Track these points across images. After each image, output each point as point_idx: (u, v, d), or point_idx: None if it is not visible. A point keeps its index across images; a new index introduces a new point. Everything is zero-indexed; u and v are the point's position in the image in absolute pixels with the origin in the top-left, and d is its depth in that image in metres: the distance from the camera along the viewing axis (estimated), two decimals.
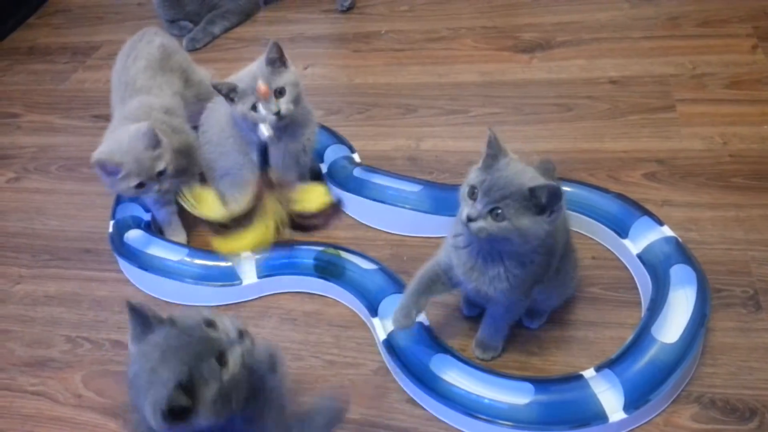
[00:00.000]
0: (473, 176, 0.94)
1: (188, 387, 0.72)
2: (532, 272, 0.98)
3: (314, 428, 0.91)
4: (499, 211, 0.89)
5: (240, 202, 1.11)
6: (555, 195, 0.89)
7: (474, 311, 1.18)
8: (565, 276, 1.09)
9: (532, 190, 0.89)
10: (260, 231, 1.11)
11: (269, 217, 1.11)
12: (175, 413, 0.71)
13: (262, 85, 1.21)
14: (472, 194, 0.92)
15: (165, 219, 1.42)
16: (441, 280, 1.05)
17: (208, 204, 1.14)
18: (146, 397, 0.72)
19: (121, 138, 1.26)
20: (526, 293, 1.02)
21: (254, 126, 1.23)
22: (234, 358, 0.77)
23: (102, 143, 1.29)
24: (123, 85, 1.43)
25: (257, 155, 1.16)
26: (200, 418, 0.74)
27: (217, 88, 1.26)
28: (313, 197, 1.14)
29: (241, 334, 0.79)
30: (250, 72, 1.26)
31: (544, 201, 0.89)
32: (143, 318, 0.77)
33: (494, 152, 0.93)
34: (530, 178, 0.92)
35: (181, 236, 1.43)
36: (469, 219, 0.91)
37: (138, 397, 0.74)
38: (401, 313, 1.04)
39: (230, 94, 1.26)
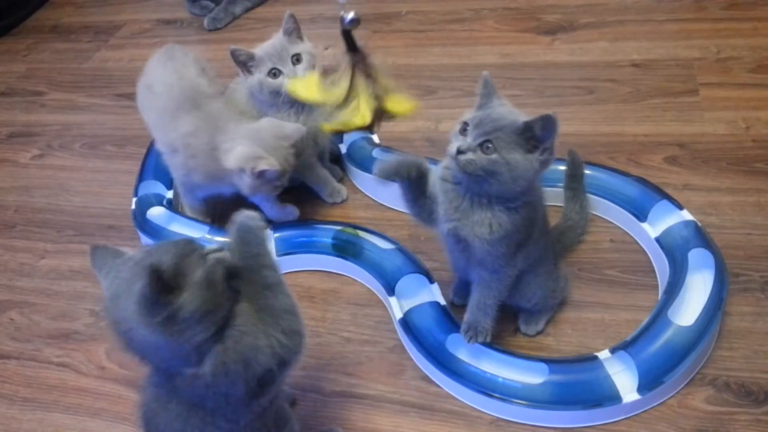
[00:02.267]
0: (466, 115, 0.92)
1: (168, 271, 0.70)
2: (516, 225, 0.93)
3: None
4: (490, 144, 0.87)
5: (338, 87, 1.16)
6: (550, 124, 0.86)
7: (464, 298, 1.12)
8: (547, 260, 1.08)
9: (527, 123, 0.87)
10: (354, 112, 1.16)
11: (361, 100, 1.16)
12: (155, 291, 0.69)
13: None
14: (464, 131, 0.90)
15: (279, 214, 1.37)
16: (427, 188, 0.99)
17: (308, 87, 1.21)
18: (128, 300, 0.71)
19: (263, 137, 1.22)
20: (508, 257, 0.97)
21: (270, 96, 1.27)
22: (213, 257, 0.76)
23: (231, 148, 1.21)
24: (176, 101, 1.29)
25: (343, 41, 1.16)
26: (185, 301, 0.71)
27: (235, 54, 1.27)
28: (402, 101, 1.20)
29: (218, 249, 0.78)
30: (268, 43, 1.29)
31: (538, 132, 0.86)
32: (105, 253, 0.77)
33: (488, 92, 0.91)
34: (522, 115, 0.90)
35: (293, 214, 1.39)
36: (459, 151, 0.88)
37: (118, 312, 0.72)
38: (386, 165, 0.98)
39: (248, 62, 1.27)
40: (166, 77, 1.30)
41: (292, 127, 1.23)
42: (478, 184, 0.91)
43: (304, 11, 2.13)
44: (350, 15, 1.13)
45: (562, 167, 1.28)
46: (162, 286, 0.69)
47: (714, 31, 1.73)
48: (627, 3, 1.90)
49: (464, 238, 0.95)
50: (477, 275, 1.02)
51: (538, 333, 1.13)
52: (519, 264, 1.00)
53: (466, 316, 1.06)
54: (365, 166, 1.43)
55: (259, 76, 1.28)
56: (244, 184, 1.24)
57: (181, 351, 0.74)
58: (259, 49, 1.29)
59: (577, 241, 1.26)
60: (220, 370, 0.76)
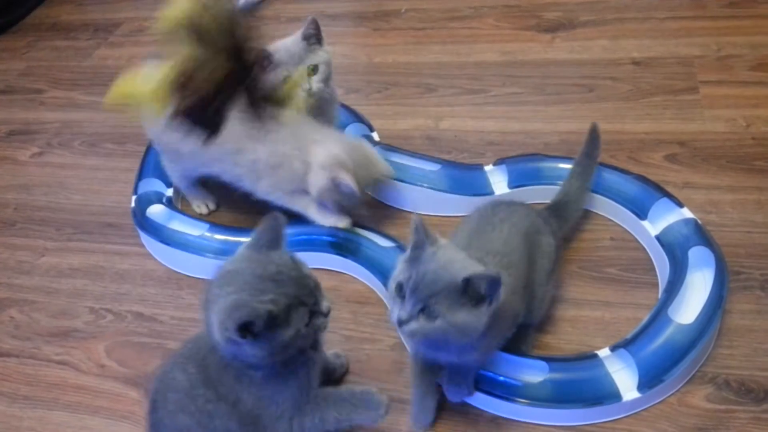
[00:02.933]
0: (399, 270, 0.85)
1: (276, 314, 0.79)
2: (488, 345, 0.92)
3: (343, 403, 0.93)
4: (432, 309, 0.81)
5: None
6: (494, 283, 0.80)
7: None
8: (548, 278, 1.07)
9: (467, 281, 0.80)
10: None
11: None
12: (248, 326, 0.78)
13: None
14: (400, 291, 0.83)
15: (326, 220, 1.31)
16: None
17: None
18: (231, 298, 0.79)
19: (355, 156, 1.22)
20: (488, 349, 0.96)
21: None
22: (317, 322, 0.85)
23: (323, 146, 1.21)
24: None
25: None
26: (256, 345, 0.80)
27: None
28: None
29: (328, 311, 0.87)
30: (285, 46, 1.26)
31: (483, 291, 0.81)
32: (278, 230, 0.86)
33: (420, 240, 0.84)
34: (462, 267, 0.83)
35: (344, 221, 1.31)
36: (400, 322, 0.82)
37: (224, 292, 0.80)
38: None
39: (265, 60, 1.22)
40: None
41: (384, 166, 1.25)
42: (434, 346, 0.91)
43: (305, 9, 2.13)
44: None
45: (563, 165, 1.28)
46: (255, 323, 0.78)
47: (714, 29, 1.73)
48: (627, 1, 1.90)
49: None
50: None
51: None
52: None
53: (447, 378, 1.01)
54: None
55: (274, 77, 1.23)
56: (316, 185, 1.22)
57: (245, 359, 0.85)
58: (276, 51, 1.24)
59: (575, 218, 1.23)
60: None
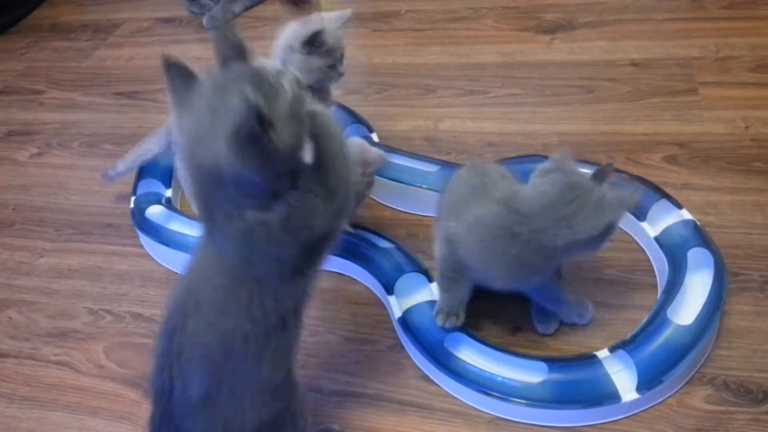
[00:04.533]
0: None
1: (258, 106, 0.65)
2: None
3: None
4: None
5: None
6: None
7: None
8: None
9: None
10: None
11: None
12: (253, 132, 0.65)
13: None
14: None
15: None
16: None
17: None
18: (214, 134, 0.67)
19: None
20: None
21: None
22: (288, 81, 0.71)
23: None
24: None
25: None
26: (278, 138, 0.67)
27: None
28: None
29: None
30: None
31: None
32: (183, 73, 0.72)
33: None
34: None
35: None
36: None
37: (199, 146, 0.69)
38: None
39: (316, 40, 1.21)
40: None
41: (375, 153, 1.20)
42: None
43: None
44: None
45: None
46: (261, 122, 0.65)
47: (713, 30, 1.73)
48: (626, 2, 1.90)
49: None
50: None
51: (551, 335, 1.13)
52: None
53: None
54: None
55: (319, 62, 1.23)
56: None
57: (258, 189, 0.72)
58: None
59: None
60: (284, 222, 0.74)
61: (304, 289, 0.85)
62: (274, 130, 0.67)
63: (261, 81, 0.69)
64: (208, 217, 0.78)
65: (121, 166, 1.44)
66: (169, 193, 1.46)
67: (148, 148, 1.43)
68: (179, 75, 0.73)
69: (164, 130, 1.41)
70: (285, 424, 0.87)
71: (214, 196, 0.74)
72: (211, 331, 0.79)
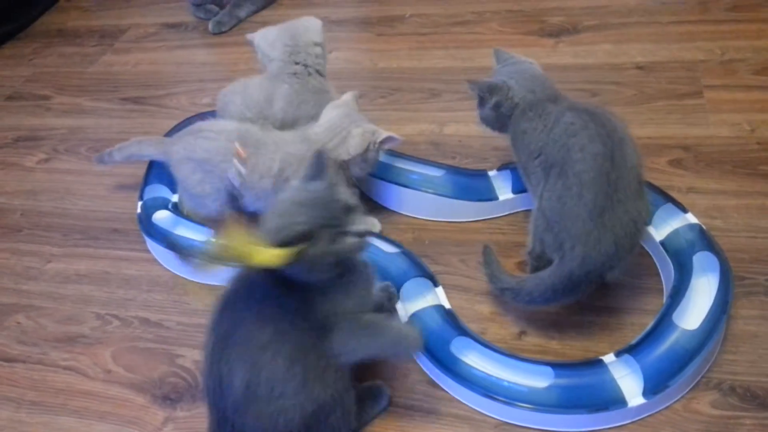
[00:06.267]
0: None
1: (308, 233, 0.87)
2: None
3: (383, 335, 0.99)
4: None
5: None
6: None
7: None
8: None
9: None
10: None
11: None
12: (290, 239, 0.86)
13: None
14: None
15: None
16: None
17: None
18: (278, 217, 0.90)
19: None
20: None
21: None
22: (347, 241, 0.91)
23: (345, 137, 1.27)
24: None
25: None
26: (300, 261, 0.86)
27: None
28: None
29: (365, 233, 0.93)
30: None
31: None
32: (321, 165, 0.95)
33: None
34: None
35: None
36: None
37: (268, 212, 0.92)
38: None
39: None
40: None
41: (387, 134, 1.26)
42: None
43: (309, 15, 2.13)
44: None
45: None
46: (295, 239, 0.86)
47: (718, 33, 1.73)
48: (631, 5, 1.90)
49: None
50: None
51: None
52: None
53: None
54: None
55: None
56: (354, 146, 1.25)
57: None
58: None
59: None
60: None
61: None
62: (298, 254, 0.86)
63: (329, 223, 0.90)
64: None
65: (117, 155, 1.49)
66: (175, 198, 1.47)
67: (146, 150, 1.46)
68: (319, 165, 0.95)
69: (164, 141, 1.44)
70: (333, 411, 0.95)
71: None
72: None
